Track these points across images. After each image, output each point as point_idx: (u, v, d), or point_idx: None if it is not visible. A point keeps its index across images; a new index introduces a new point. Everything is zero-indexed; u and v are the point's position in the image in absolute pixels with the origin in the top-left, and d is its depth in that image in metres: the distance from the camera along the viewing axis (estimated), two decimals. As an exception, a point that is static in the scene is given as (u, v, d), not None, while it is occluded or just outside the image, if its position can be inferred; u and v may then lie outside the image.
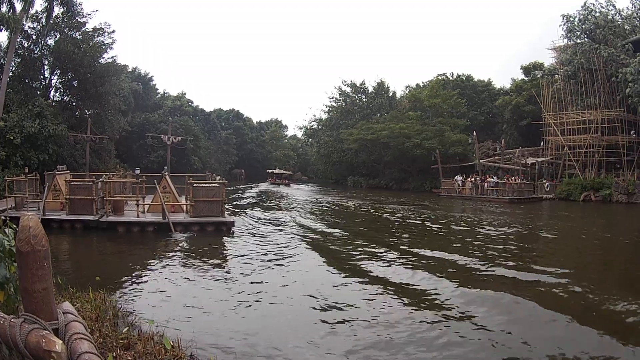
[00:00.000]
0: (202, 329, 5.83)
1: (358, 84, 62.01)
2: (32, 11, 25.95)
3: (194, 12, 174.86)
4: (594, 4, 36.87)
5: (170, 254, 11.04)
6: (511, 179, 33.80)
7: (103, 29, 33.55)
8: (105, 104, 35.74)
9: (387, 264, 10.07)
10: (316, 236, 14.43)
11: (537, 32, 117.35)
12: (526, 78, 47.63)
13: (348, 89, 62.57)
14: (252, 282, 8.48)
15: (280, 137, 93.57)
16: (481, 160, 39.21)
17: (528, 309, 6.81)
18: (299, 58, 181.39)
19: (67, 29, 31.77)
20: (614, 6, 37.19)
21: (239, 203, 27.22)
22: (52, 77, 34.06)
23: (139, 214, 14.67)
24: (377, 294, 7.69)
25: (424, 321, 6.31)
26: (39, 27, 29.84)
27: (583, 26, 36.93)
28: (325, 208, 25.64)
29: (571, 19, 37.32)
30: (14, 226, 3.13)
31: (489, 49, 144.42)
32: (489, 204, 29.70)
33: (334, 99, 63.73)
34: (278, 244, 12.63)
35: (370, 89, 61.39)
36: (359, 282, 8.56)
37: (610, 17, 36.89)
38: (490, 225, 17.64)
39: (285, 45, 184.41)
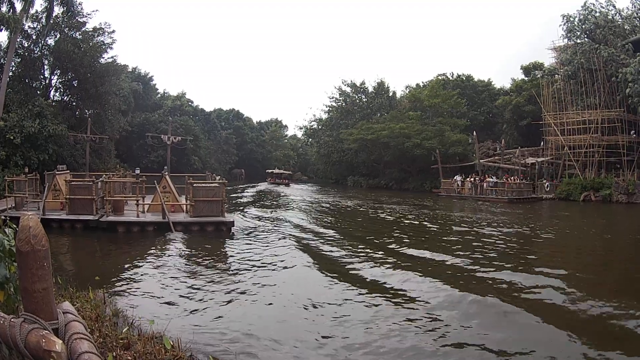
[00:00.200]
0: (202, 329, 5.84)
1: (358, 84, 62.05)
2: (32, 11, 26.00)
3: (194, 12, 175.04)
4: (594, 4, 36.90)
5: (170, 254, 11.05)
6: (510, 179, 33.81)
7: (103, 28, 33.58)
8: (105, 103, 35.74)
9: (385, 266, 10.00)
10: (313, 237, 14.42)
11: (537, 32, 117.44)
12: (526, 78, 47.62)
13: (348, 89, 62.61)
14: (251, 283, 8.48)
15: (280, 137, 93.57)
16: (481, 160, 39.22)
17: (522, 315, 6.60)
18: (299, 58, 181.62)
19: (67, 28, 31.78)
20: (614, 6, 37.24)
21: (238, 203, 27.24)
22: (52, 77, 34.09)
23: (139, 213, 14.67)
24: (373, 296, 7.62)
25: (417, 325, 6.20)
26: (39, 27, 29.85)
27: (583, 26, 36.93)
28: (323, 208, 25.65)
29: (571, 19, 37.31)
30: (14, 226, 3.13)
31: (489, 49, 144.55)
32: (488, 204, 29.70)
33: (334, 99, 63.80)
34: (276, 245, 12.62)
35: (370, 89, 61.41)
36: (356, 283, 8.53)
37: (610, 17, 36.89)
38: (489, 225, 17.62)
39: (285, 45, 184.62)
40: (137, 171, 20.30)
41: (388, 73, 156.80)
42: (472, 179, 35.95)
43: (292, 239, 13.68)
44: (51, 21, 28.34)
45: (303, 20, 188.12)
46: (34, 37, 30.56)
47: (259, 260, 10.51)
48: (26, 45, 30.57)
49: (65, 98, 35.70)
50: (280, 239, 13.67)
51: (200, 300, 7.28)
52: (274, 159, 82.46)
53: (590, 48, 35.28)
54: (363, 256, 11.14)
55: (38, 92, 31.86)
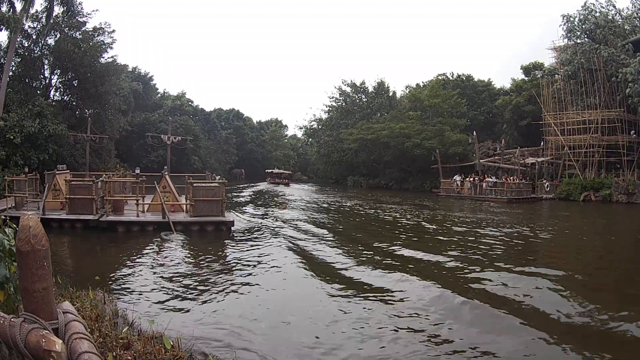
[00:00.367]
0: (202, 328, 5.85)
1: (358, 84, 62.07)
2: (32, 11, 25.98)
3: (193, 12, 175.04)
4: (594, 4, 36.91)
5: (170, 254, 11.05)
6: (509, 179, 33.82)
7: (103, 28, 33.60)
8: (105, 103, 35.75)
9: (384, 267, 9.99)
10: (312, 237, 14.41)
11: (537, 32, 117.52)
12: (526, 78, 47.62)
13: (348, 89, 62.63)
14: (250, 282, 8.49)
15: (280, 136, 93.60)
16: (481, 160, 39.25)
17: (521, 318, 6.44)
18: (299, 58, 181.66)
19: (67, 28, 31.78)
20: (614, 6, 37.25)
21: (236, 202, 27.26)
22: (52, 76, 34.09)
23: (139, 213, 14.68)
24: (371, 298, 7.62)
25: (410, 331, 6.13)
26: (39, 26, 29.82)
27: (583, 26, 36.93)
28: (322, 208, 25.64)
29: (571, 19, 37.32)
30: (14, 226, 3.13)
31: (489, 49, 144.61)
32: (487, 204, 29.70)
33: (334, 99, 63.83)
34: (274, 245, 12.60)
35: (370, 89, 61.43)
36: (352, 284, 8.53)
37: (610, 17, 36.90)
38: (488, 225, 17.61)
39: (285, 45, 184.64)
40: (137, 171, 20.32)
41: (388, 73, 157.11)
42: (471, 179, 35.97)
43: (290, 239, 13.67)
44: (51, 21, 28.33)
45: (303, 20, 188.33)
46: (34, 36, 30.55)
47: (258, 260, 10.51)
48: (26, 45, 30.56)
49: (65, 98, 35.70)
50: (277, 239, 13.65)
51: (200, 299, 7.29)
52: (274, 159, 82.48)
53: (590, 48, 35.28)
54: (359, 257, 11.14)
55: (38, 92, 31.86)
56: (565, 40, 38.68)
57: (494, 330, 6.08)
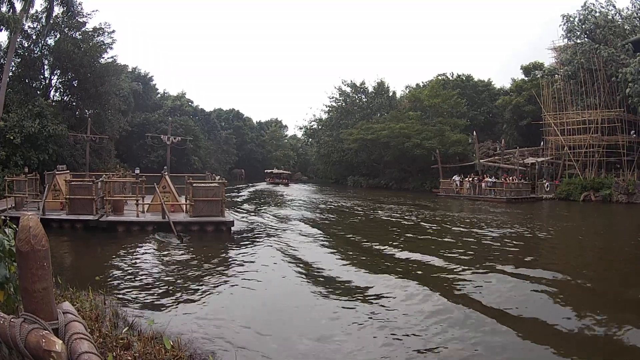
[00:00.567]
0: (202, 329, 5.85)
1: (358, 84, 62.10)
2: (32, 11, 25.95)
3: (193, 12, 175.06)
4: (594, 4, 36.92)
5: (170, 254, 11.05)
6: (509, 179, 33.83)
7: (103, 28, 33.62)
8: (105, 103, 35.77)
9: (381, 270, 9.97)
10: (312, 237, 14.44)
11: (537, 32, 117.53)
12: (526, 78, 47.63)
13: (348, 89, 62.64)
14: (250, 282, 8.49)
15: (280, 137, 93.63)
16: (481, 160, 39.25)
17: (518, 323, 6.33)
18: (299, 58, 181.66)
19: (67, 28, 31.80)
20: (614, 6, 37.26)
21: (233, 202, 27.28)
22: (52, 77, 34.09)
23: (139, 213, 14.68)
24: (367, 302, 7.58)
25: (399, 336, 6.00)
26: (39, 27, 29.84)
27: (583, 26, 36.94)
28: (321, 208, 25.63)
29: (571, 19, 37.32)
30: (14, 226, 3.13)
31: (489, 49, 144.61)
32: (486, 204, 29.70)
33: (334, 99, 63.87)
34: (272, 245, 12.59)
35: (370, 89, 61.45)
36: (351, 287, 8.52)
37: (610, 17, 36.90)
38: (487, 225, 17.58)
39: (285, 45, 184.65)
40: (137, 171, 20.30)
41: (388, 73, 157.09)
42: (470, 179, 35.99)
43: (290, 239, 13.68)
44: (51, 21, 28.31)
45: (303, 20, 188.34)
46: (34, 37, 30.57)
47: (257, 260, 10.51)
48: (26, 45, 30.58)
49: (65, 98, 35.72)
50: (277, 239, 13.66)
51: (200, 299, 7.29)
52: (274, 159, 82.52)
53: (590, 48, 35.28)
54: (357, 257, 11.15)
55: (38, 92, 31.87)
56: (565, 40, 38.72)
57: (490, 334, 6.03)
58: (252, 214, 21.07)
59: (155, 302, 7.06)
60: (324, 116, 66.33)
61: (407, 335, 5.88)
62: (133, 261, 10.14)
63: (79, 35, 32.57)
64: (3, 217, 3.47)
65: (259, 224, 17.10)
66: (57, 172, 17.01)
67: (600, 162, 34.73)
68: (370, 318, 6.50)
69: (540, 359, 5.30)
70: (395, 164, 50.30)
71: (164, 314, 6.35)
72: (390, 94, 61.30)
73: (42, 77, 33.06)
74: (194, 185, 15.03)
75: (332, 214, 22.66)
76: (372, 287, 8.19)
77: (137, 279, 8.61)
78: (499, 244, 13.37)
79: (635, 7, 36.81)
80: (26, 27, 28.97)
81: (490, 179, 34.62)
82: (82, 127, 30.95)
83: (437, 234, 15.45)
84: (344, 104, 62.72)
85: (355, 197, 34.67)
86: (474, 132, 40.45)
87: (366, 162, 54.71)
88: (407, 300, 7.46)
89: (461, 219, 19.90)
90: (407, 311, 6.85)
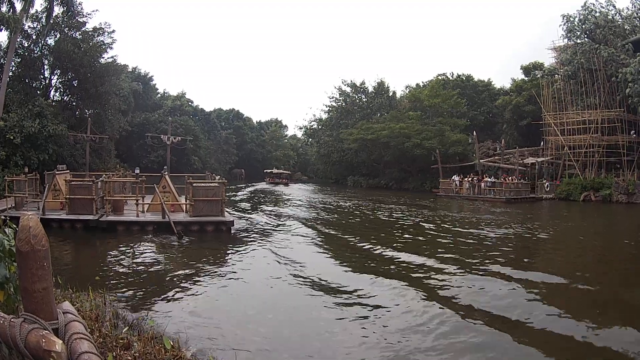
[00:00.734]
0: (202, 329, 5.85)
1: (358, 84, 62.10)
2: (32, 11, 25.94)
3: (193, 12, 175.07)
4: (594, 4, 36.91)
5: (170, 254, 11.05)
6: (508, 179, 33.83)
7: (103, 28, 33.60)
8: (105, 103, 35.75)
9: (381, 270, 10.01)
10: (310, 238, 14.44)
11: (537, 32, 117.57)
12: (526, 78, 47.62)
13: (348, 89, 62.64)
14: (249, 282, 8.50)
15: (280, 137, 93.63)
16: (481, 160, 39.24)
17: (518, 328, 6.20)
18: (299, 58, 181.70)
19: (67, 28, 31.78)
20: (614, 6, 37.25)
21: (233, 202, 27.28)
22: (52, 76, 34.08)
23: (139, 213, 14.68)
24: (365, 304, 7.54)
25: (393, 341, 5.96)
26: (39, 26, 29.82)
27: (583, 26, 36.93)
28: (320, 208, 25.62)
29: (571, 19, 37.32)
30: (14, 226, 3.13)
31: (489, 49, 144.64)
32: (486, 204, 29.70)
33: (334, 99, 63.87)
34: (271, 245, 12.60)
35: (370, 89, 61.46)
36: (350, 287, 8.50)
37: (610, 17, 36.89)
38: (487, 225, 17.59)
39: (285, 45, 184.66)
40: (137, 171, 20.29)
41: (388, 73, 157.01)
42: (469, 179, 36.00)
43: (290, 240, 13.69)
44: (51, 21, 28.31)
45: (303, 20, 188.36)
46: (34, 37, 30.55)
47: (257, 260, 10.53)
48: (26, 45, 30.57)
49: (65, 98, 35.70)
50: (277, 239, 13.67)
51: (200, 299, 7.29)
52: (274, 159, 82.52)
53: (590, 48, 35.28)
54: (356, 258, 11.14)
55: (38, 92, 31.86)
56: (565, 40, 38.71)
57: (490, 335, 6.02)
58: (252, 213, 21.09)
59: (155, 302, 7.07)
60: (324, 116, 66.41)
61: (405, 336, 5.88)
62: (133, 261, 10.14)
63: (79, 35, 32.55)
64: (3, 217, 3.47)
65: (259, 224, 17.10)
66: (57, 172, 17.01)
67: (600, 162, 34.73)
68: (370, 318, 6.52)
69: None
70: (395, 164, 50.30)
71: (164, 314, 6.35)
72: (390, 94, 61.31)
73: (42, 77, 33.05)
74: (194, 185, 15.03)
75: (331, 214, 22.65)
76: (371, 287, 8.19)
77: (137, 278, 8.61)
78: (498, 244, 13.36)
79: (635, 7, 36.82)
80: (26, 27, 28.97)
81: (489, 179, 34.63)
82: (82, 127, 30.94)
83: (437, 234, 15.44)
84: (344, 104, 62.72)
85: (355, 197, 34.65)
86: (474, 132, 40.45)
87: (366, 162, 54.71)
88: (406, 301, 7.45)
89: (461, 219, 19.90)
90: (405, 312, 6.86)
